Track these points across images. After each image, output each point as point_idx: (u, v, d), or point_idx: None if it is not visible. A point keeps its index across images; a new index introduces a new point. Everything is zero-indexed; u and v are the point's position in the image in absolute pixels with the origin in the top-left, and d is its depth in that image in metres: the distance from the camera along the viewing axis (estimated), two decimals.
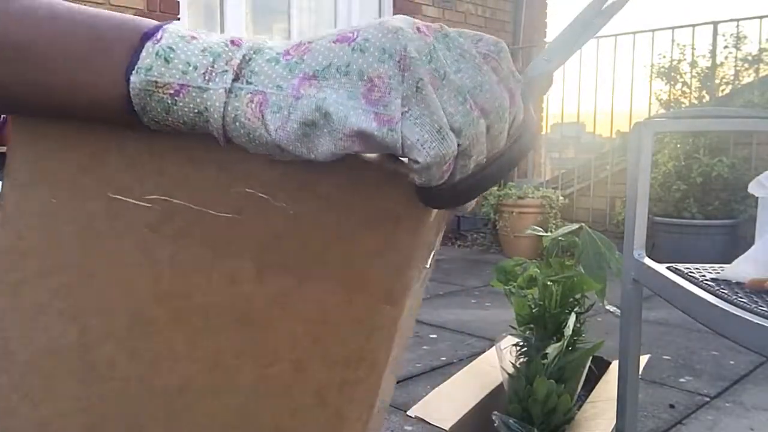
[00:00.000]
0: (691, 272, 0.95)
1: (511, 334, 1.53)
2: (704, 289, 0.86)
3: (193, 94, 0.36)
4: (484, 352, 1.81)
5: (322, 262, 0.41)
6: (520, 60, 5.53)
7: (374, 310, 0.42)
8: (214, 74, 0.36)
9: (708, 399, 1.87)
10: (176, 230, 0.42)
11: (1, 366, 0.47)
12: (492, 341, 1.90)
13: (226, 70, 0.36)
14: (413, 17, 0.36)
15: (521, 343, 1.43)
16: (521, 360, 1.41)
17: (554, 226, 3.57)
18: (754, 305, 0.76)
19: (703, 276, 0.93)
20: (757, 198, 0.96)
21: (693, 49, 4.06)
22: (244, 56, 0.36)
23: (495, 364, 1.47)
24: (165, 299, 0.43)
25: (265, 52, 0.36)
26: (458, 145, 0.34)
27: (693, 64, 4.07)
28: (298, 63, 0.35)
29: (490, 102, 0.34)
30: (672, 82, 4.11)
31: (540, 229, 1.59)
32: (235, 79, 0.36)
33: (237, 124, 0.36)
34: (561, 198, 4.29)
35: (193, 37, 0.37)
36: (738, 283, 0.89)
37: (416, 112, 0.33)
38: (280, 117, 0.35)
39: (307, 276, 0.42)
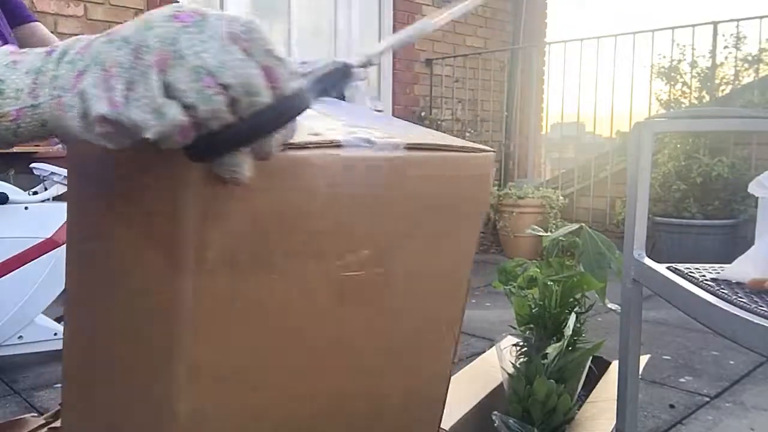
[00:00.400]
0: (691, 272, 0.95)
1: (511, 334, 1.53)
2: (704, 289, 0.86)
3: (29, 113, 0.40)
4: (484, 352, 1.81)
5: (137, 216, 0.48)
6: (520, 60, 5.53)
7: (159, 274, 0.48)
8: (38, 90, 0.39)
9: (708, 399, 1.87)
10: None
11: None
12: (492, 341, 1.90)
13: (45, 83, 0.39)
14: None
15: (521, 343, 1.43)
16: (521, 360, 1.41)
17: (554, 226, 3.57)
18: (754, 305, 0.76)
19: (703, 276, 0.93)
20: (757, 198, 0.95)
21: (693, 49, 4.06)
22: (57, 64, 0.39)
23: (495, 364, 1.47)
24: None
25: (69, 54, 0.40)
26: (193, 117, 0.38)
27: (693, 64, 4.06)
28: (78, 60, 0.39)
29: (233, 78, 0.38)
30: (672, 82, 4.10)
31: (540, 229, 1.58)
32: (53, 88, 0.39)
33: (62, 125, 0.39)
34: (561, 198, 4.29)
35: (15, 61, 0.41)
36: (738, 283, 0.88)
37: (138, 94, 0.37)
38: (72, 116, 0.38)
39: (137, 233, 0.49)
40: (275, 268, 0.50)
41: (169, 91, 0.37)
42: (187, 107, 0.37)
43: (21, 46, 0.48)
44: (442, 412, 0.72)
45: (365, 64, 0.45)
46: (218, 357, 0.50)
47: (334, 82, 0.43)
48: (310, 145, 0.49)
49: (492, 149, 0.66)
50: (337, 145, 0.51)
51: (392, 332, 0.62)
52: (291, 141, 0.47)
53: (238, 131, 0.39)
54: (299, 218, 0.51)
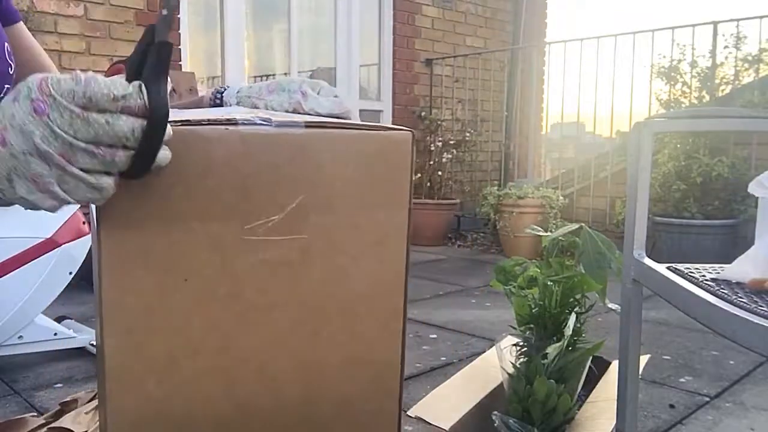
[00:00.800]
0: (691, 272, 0.95)
1: (511, 334, 1.53)
2: (704, 289, 0.86)
3: None
4: (484, 352, 1.81)
5: None
6: (520, 60, 5.53)
7: (95, 231, 0.61)
8: None
9: (708, 399, 1.87)
10: None
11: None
12: (492, 341, 1.90)
13: None
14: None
15: (521, 343, 1.43)
16: (521, 360, 1.41)
17: (554, 226, 3.57)
18: (754, 305, 0.76)
19: (703, 276, 0.93)
20: (757, 198, 0.95)
21: (693, 49, 4.06)
22: None
23: (495, 364, 1.47)
24: None
25: None
26: (115, 172, 0.49)
27: (693, 64, 4.06)
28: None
29: (111, 139, 0.47)
30: (672, 82, 4.10)
31: (540, 229, 1.58)
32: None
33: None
34: (561, 198, 4.29)
35: None
36: (738, 283, 0.88)
37: (74, 185, 0.48)
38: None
39: None
40: (181, 226, 0.59)
41: (85, 171, 0.47)
42: (105, 172, 0.49)
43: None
44: (401, 384, 0.76)
45: (168, 14, 0.51)
46: (131, 304, 0.59)
47: (163, 55, 0.50)
48: (204, 122, 0.59)
49: (409, 129, 0.70)
50: (233, 122, 0.60)
51: (323, 299, 0.67)
52: (191, 119, 0.57)
53: (143, 153, 0.50)
54: (198, 184, 0.59)
